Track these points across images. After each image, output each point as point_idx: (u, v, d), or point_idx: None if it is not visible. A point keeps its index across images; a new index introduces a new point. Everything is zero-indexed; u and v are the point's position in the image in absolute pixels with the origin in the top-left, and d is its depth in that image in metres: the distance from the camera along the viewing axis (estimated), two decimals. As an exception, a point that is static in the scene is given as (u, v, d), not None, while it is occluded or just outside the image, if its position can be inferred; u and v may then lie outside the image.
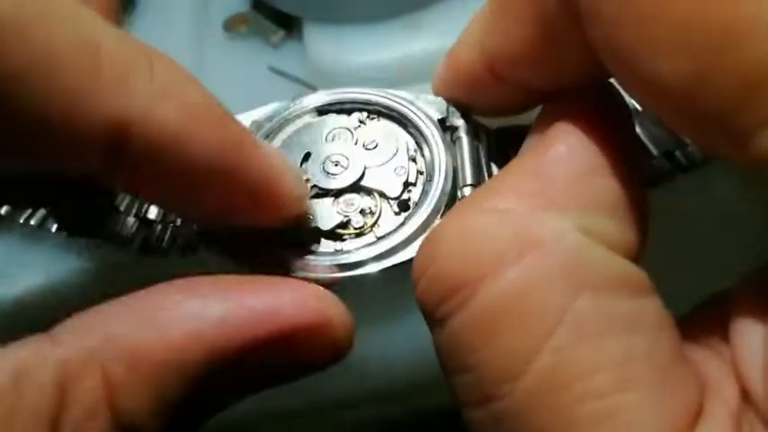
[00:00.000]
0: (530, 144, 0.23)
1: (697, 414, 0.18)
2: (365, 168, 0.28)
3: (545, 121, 0.23)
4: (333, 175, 0.28)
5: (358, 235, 0.27)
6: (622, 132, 0.22)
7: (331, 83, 0.41)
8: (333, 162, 0.28)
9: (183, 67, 0.22)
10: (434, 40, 0.41)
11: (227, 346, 0.20)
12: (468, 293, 0.19)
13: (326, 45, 0.41)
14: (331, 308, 0.22)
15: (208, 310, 0.21)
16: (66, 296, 0.30)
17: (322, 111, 0.31)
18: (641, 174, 0.22)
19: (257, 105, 0.43)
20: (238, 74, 0.44)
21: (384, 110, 0.30)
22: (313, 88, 0.41)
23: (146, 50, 0.21)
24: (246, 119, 0.30)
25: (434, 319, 0.20)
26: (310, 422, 0.32)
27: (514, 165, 0.22)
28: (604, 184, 0.20)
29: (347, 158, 0.28)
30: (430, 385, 0.27)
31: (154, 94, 0.20)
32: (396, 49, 0.40)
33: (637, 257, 0.20)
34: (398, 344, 0.30)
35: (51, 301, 0.30)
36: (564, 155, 0.21)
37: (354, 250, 0.26)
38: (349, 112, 0.30)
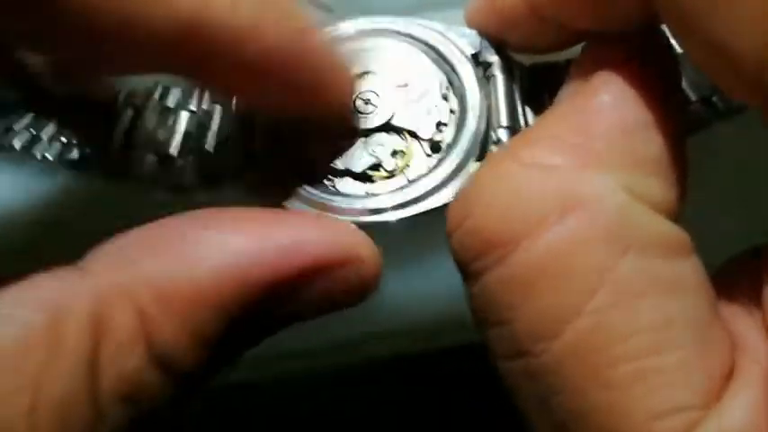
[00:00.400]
0: (570, 89, 0.22)
1: (729, 373, 0.18)
2: (395, 107, 0.27)
3: (586, 65, 0.22)
4: (363, 114, 0.27)
5: (389, 177, 0.26)
6: (668, 83, 0.21)
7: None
8: (363, 100, 0.27)
9: None
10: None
11: (259, 282, 0.20)
12: (507, 250, 0.19)
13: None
14: (361, 245, 0.22)
15: (236, 245, 0.20)
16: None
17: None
18: (683, 125, 0.21)
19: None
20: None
21: (415, 42, 0.29)
22: (327, 7, 0.39)
23: None
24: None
25: (469, 272, 0.20)
26: (324, 359, 0.33)
27: (555, 112, 0.21)
28: (649, 140, 0.20)
29: (378, 96, 0.27)
30: (456, 325, 0.27)
31: None
32: None
33: (677, 215, 0.20)
34: (424, 284, 0.30)
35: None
36: (608, 106, 0.20)
37: (385, 194, 0.25)
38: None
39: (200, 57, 0.20)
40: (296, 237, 0.21)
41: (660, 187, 0.19)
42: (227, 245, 0.20)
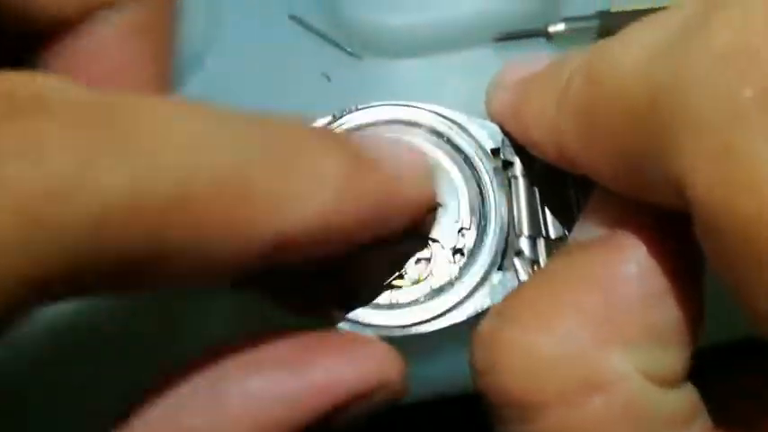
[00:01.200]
0: (591, 234, 0.23)
1: None
2: (418, 215, 0.27)
3: (612, 209, 0.22)
4: (386, 223, 0.27)
5: (413, 284, 0.27)
6: (693, 248, 0.21)
7: (362, 44, 0.38)
8: None
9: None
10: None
11: (294, 421, 0.22)
12: (528, 414, 0.20)
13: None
14: (392, 367, 0.23)
15: (274, 390, 0.22)
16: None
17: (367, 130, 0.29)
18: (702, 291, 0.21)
19: (275, 56, 0.40)
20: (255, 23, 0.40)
21: (435, 135, 0.29)
22: (344, 49, 0.38)
23: (286, 146, 0.20)
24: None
25: (493, 414, 0.22)
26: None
27: (579, 273, 0.22)
28: (671, 311, 0.20)
29: (399, 204, 0.27)
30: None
31: (304, 192, 0.20)
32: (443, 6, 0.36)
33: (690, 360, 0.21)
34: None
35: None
36: (635, 277, 0.20)
37: (410, 306, 0.26)
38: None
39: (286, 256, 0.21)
40: (330, 372, 0.22)
41: (676, 356, 0.20)
42: (264, 392, 0.22)
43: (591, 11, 0.37)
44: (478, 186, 0.28)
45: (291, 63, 0.39)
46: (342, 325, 0.26)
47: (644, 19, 0.20)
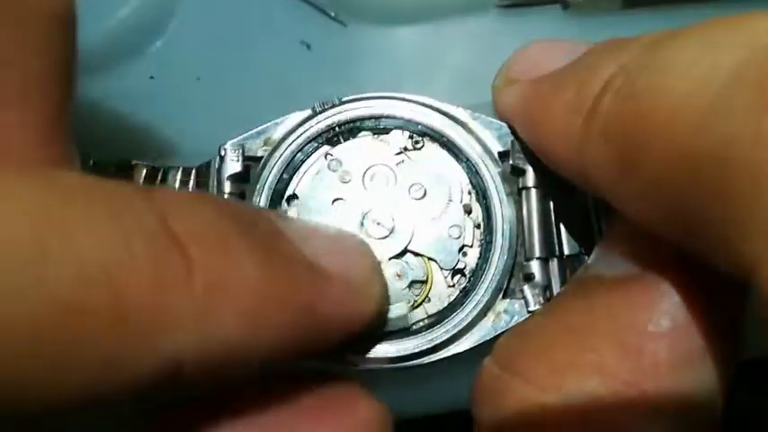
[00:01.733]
0: (614, 267, 0.19)
1: None
2: (414, 229, 0.23)
3: (642, 244, 0.19)
4: (375, 238, 0.23)
5: (410, 309, 0.23)
6: (733, 311, 0.18)
7: (348, 8, 0.33)
8: (374, 221, 0.24)
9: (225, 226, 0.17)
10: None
11: None
12: None
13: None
14: (380, 423, 0.20)
15: None
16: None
17: (354, 129, 0.25)
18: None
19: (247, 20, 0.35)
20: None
21: (432, 133, 0.24)
22: (339, 21, 0.33)
23: (176, 243, 0.15)
24: (257, 138, 0.24)
25: None
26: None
27: (602, 324, 0.18)
28: (706, 381, 0.17)
29: (392, 217, 0.23)
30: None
31: (201, 314, 0.15)
32: None
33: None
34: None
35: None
36: (666, 334, 0.17)
37: (406, 335, 0.23)
38: (388, 130, 0.24)
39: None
40: None
41: (703, 420, 0.17)
42: None
43: (614, -26, 0.32)
44: (483, 196, 0.24)
45: (266, 28, 0.33)
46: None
47: (707, 28, 0.16)
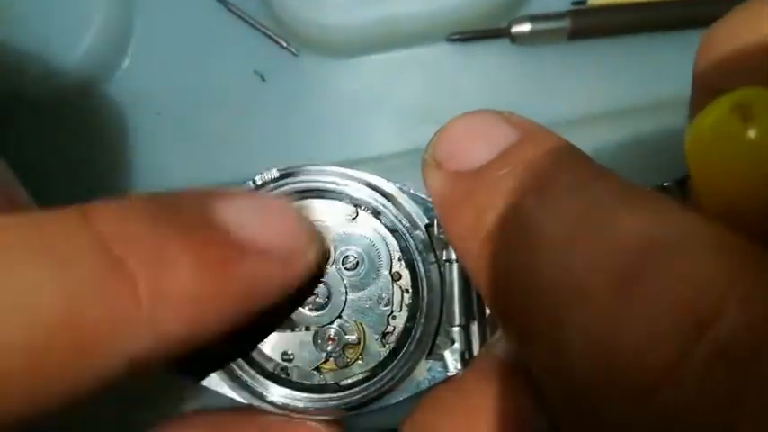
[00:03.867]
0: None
1: None
2: (346, 299, 0.26)
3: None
4: (309, 307, 0.26)
5: (342, 367, 0.26)
6: None
7: (293, 34, 0.33)
8: (312, 294, 0.26)
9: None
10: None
11: None
12: None
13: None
14: None
15: None
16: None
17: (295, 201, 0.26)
18: None
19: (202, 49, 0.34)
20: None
21: (365, 205, 0.26)
22: (290, 51, 0.33)
23: (116, 262, 0.17)
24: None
25: None
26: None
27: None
28: None
29: (325, 286, 0.26)
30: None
31: (149, 322, 0.18)
32: (378, 7, 0.30)
33: None
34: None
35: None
36: None
37: (342, 389, 0.26)
38: (323, 198, 0.26)
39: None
40: None
41: None
42: None
43: (561, 8, 0.32)
44: (412, 265, 0.26)
45: (222, 57, 0.34)
46: (272, 408, 0.26)
47: None
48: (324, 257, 0.25)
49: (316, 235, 0.23)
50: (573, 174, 0.18)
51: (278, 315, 0.25)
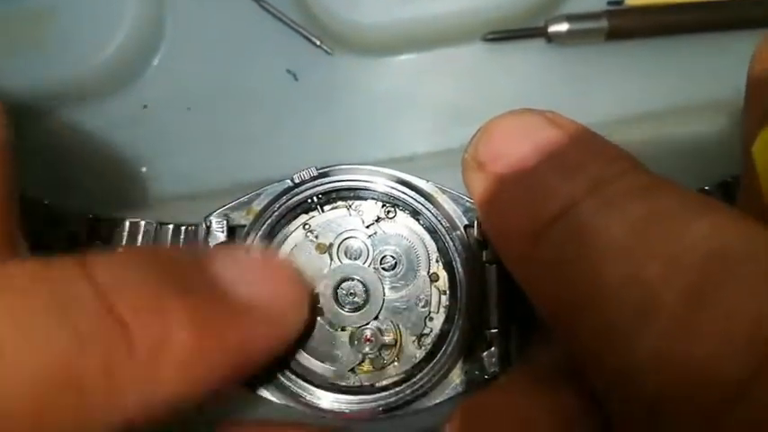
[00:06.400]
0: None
1: None
2: (384, 299, 0.25)
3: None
4: (347, 308, 0.25)
5: (379, 369, 0.26)
6: None
7: (326, 32, 0.33)
8: (346, 292, 0.25)
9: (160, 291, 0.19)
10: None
11: None
12: None
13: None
14: None
15: None
16: None
17: (330, 199, 0.26)
18: None
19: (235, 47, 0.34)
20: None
21: (402, 205, 0.26)
22: (324, 49, 0.32)
23: (116, 318, 0.18)
24: (240, 209, 0.26)
25: None
26: None
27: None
28: None
29: (363, 286, 0.25)
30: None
31: (144, 377, 0.18)
32: (414, 5, 0.30)
33: None
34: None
35: None
36: None
37: (378, 391, 0.25)
38: (363, 200, 0.26)
39: None
40: None
41: None
42: None
43: (598, 7, 0.31)
44: (449, 266, 0.26)
45: (254, 55, 0.34)
46: (307, 411, 0.26)
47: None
48: (315, 301, 0.25)
49: (308, 290, 0.24)
50: (631, 178, 0.17)
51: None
